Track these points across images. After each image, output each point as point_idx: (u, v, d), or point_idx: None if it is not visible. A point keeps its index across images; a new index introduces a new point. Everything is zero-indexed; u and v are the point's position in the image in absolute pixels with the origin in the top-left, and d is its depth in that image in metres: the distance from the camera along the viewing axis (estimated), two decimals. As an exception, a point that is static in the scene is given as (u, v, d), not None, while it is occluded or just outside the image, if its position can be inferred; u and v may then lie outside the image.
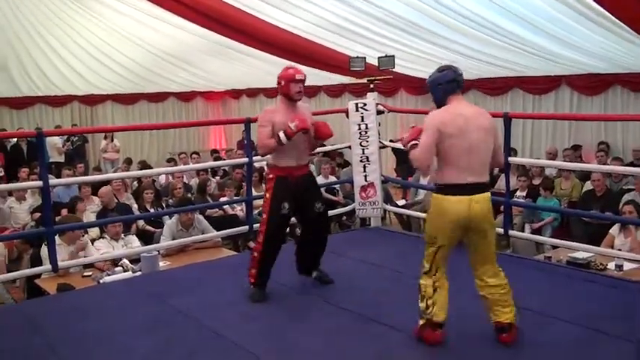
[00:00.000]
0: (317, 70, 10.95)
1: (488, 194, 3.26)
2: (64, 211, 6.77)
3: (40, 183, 4.52)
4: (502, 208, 5.39)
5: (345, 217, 8.19)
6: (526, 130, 10.00)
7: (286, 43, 9.59)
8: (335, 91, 13.22)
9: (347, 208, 6.76)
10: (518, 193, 7.50)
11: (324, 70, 10.88)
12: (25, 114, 14.29)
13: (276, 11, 8.66)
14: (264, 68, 11.85)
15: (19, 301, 5.73)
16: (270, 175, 4.08)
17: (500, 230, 5.27)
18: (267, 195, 4.02)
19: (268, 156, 4.13)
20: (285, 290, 4.30)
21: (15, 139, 11.97)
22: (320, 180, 8.78)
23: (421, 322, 3.35)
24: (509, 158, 5.09)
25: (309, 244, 4.31)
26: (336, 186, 8.61)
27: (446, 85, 3.27)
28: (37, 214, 7.15)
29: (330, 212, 6.79)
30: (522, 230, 7.10)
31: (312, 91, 13.65)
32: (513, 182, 7.24)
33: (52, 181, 5.43)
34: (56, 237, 4.79)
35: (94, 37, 11.86)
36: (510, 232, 5.27)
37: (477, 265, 3.32)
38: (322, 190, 6.94)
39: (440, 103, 3.30)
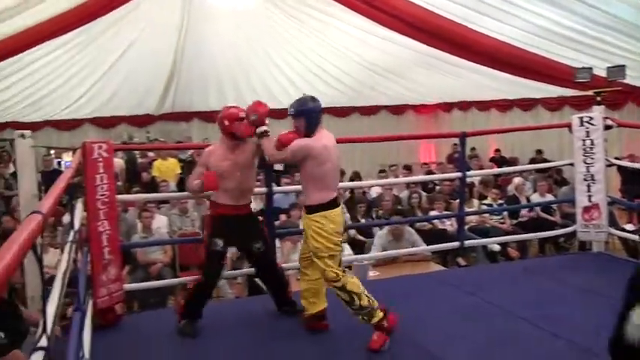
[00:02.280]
0: (534, 82, 10.48)
1: None
2: (283, 217, 7.24)
3: (265, 189, 4.88)
4: None
5: (562, 239, 7.65)
6: None
7: (501, 54, 9.27)
8: (554, 104, 12.46)
9: (565, 229, 6.27)
10: None
11: (542, 81, 10.32)
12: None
13: (491, 21, 8.43)
14: (476, 80, 11.62)
15: (240, 297, 6.28)
16: (208, 212, 4.18)
17: None
18: (206, 232, 4.07)
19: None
20: (493, 309, 4.15)
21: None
22: (535, 198, 8.35)
23: (375, 319, 3.47)
24: None
25: (264, 280, 4.39)
26: (552, 205, 8.09)
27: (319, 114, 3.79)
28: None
29: (547, 233, 6.50)
30: None
31: (529, 104, 13.05)
32: None
33: (275, 188, 5.84)
34: (276, 240, 5.15)
35: (312, 53, 12.57)
36: None
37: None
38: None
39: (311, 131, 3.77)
